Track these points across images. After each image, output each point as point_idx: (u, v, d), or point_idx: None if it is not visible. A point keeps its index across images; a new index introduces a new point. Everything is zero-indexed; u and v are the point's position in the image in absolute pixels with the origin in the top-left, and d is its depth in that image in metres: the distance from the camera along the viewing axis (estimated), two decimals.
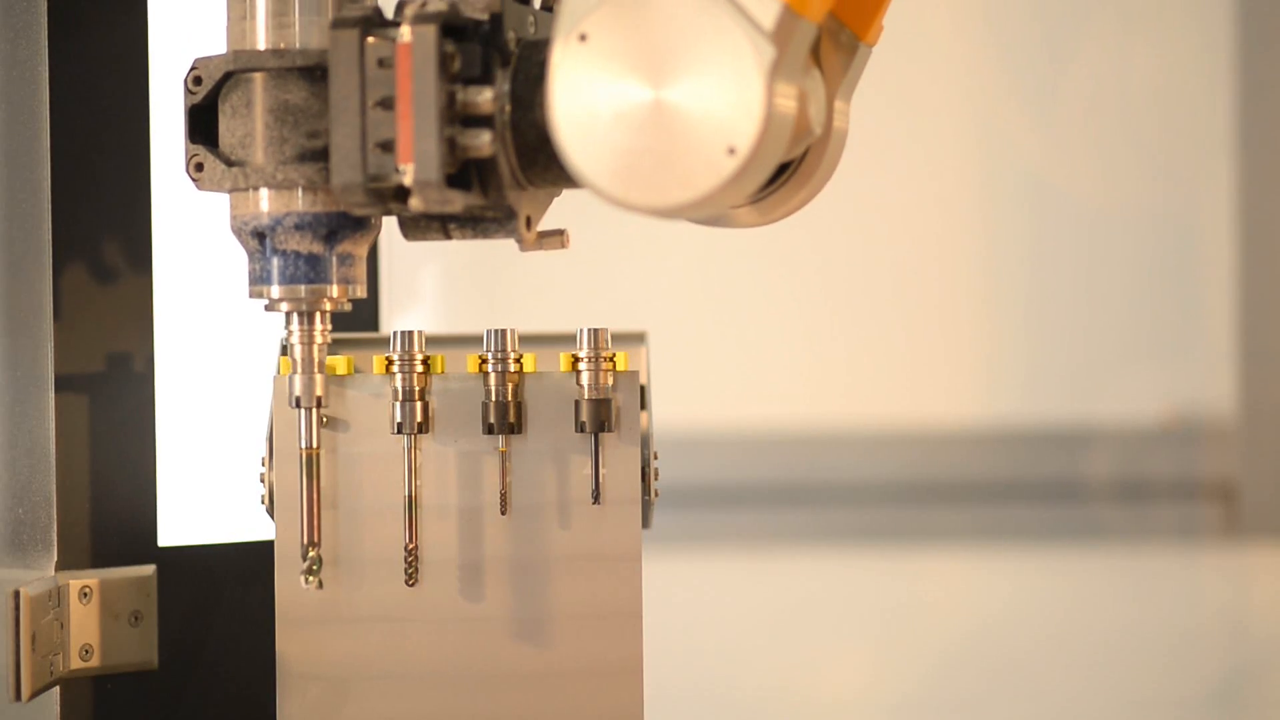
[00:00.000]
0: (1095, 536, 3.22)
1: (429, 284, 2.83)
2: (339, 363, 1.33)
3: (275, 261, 1.24)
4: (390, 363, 1.33)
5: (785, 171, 1.27)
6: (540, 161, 1.20)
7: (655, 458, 1.36)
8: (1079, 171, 3.25)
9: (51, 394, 1.40)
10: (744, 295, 3.25)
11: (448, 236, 1.24)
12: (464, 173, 1.19)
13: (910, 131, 2.94)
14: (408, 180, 1.17)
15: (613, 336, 1.34)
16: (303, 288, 1.24)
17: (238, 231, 1.26)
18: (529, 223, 1.23)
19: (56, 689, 1.40)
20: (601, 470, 1.34)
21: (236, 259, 1.47)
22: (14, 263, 1.42)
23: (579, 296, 3.16)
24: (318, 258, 1.24)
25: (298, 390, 1.28)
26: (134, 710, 1.44)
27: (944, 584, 3.09)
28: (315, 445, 1.29)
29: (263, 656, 1.41)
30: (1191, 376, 3.25)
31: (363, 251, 1.26)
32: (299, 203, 1.23)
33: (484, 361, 1.33)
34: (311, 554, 1.30)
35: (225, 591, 1.48)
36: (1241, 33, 3.21)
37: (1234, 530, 3.22)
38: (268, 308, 1.26)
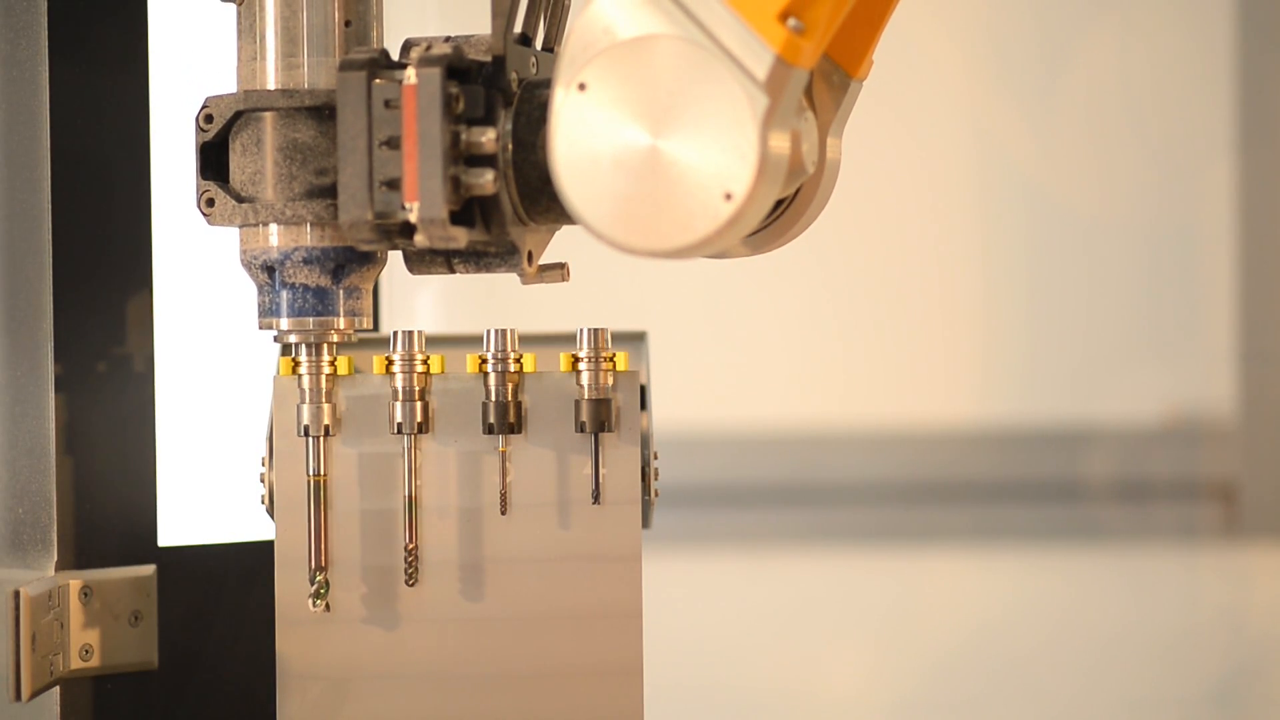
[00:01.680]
0: (1095, 536, 3.21)
1: (429, 284, 2.83)
2: (339, 363, 1.33)
3: (284, 294, 1.28)
4: (390, 363, 1.33)
5: (780, 206, 1.29)
6: (542, 201, 1.23)
7: (655, 458, 1.36)
8: (1078, 171, 3.25)
9: (51, 394, 1.40)
10: (744, 295, 3.25)
11: (451, 270, 1.27)
12: (467, 210, 1.22)
13: (908, 132, 2.94)
14: (413, 217, 1.20)
15: (613, 336, 1.34)
16: (311, 320, 1.28)
17: (247, 265, 1.29)
18: (530, 258, 1.27)
19: (56, 689, 1.40)
20: (601, 470, 1.34)
21: (237, 259, 1.47)
22: (14, 263, 1.42)
23: (579, 296, 3.16)
24: (325, 291, 1.28)
25: (306, 419, 1.31)
26: (134, 710, 1.44)
27: (944, 584, 3.09)
28: (323, 472, 1.31)
29: (263, 656, 1.41)
30: (1191, 376, 3.25)
31: (369, 285, 1.30)
32: (307, 238, 1.27)
33: (484, 361, 1.33)
34: (319, 578, 1.31)
35: (225, 591, 1.48)
36: (1241, 33, 3.21)
37: (1234, 530, 3.22)
38: (277, 339, 1.29)
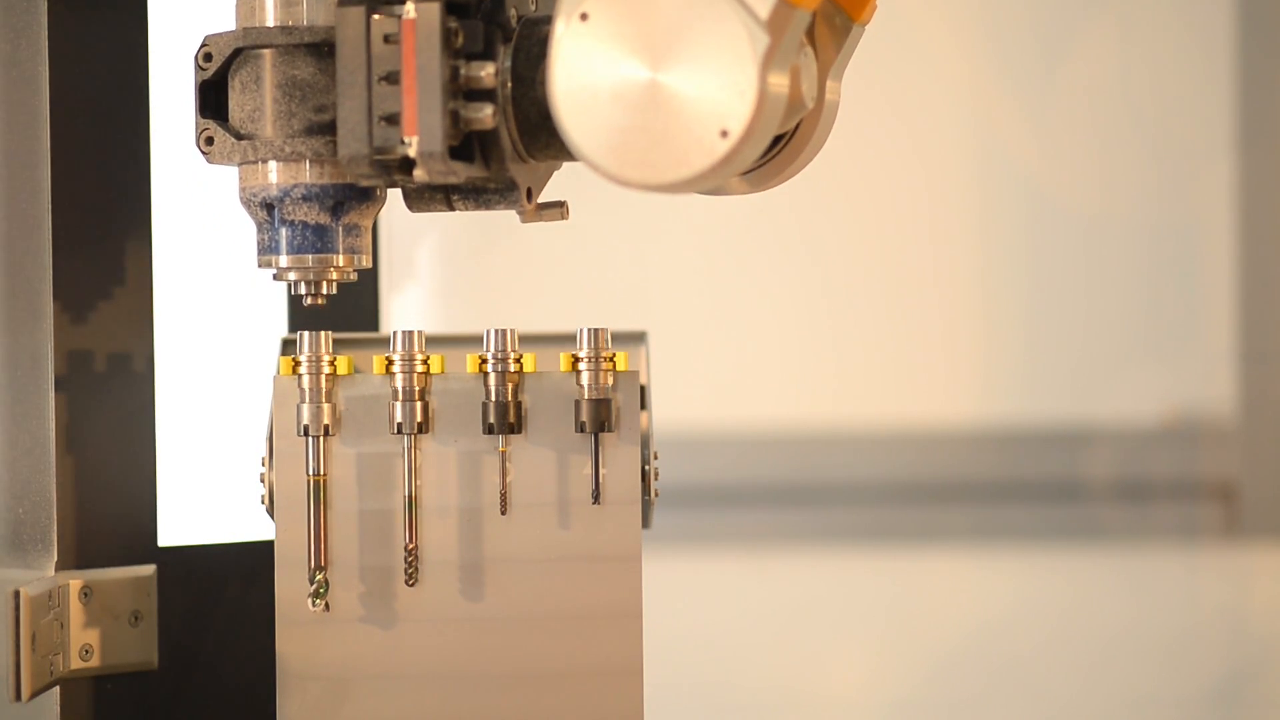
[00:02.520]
0: (1095, 536, 3.21)
1: (429, 284, 2.83)
2: (339, 363, 1.33)
3: (283, 232, 1.28)
4: (390, 363, 1.33)
5: (779, 142, 1.30)
6: (541, 137, 1.24)
7: (655, 458, 1.36)
8: (1078, 171, 3.25)
9: (51, 394, 1.40)
10: (744, 295, 3.25)
11: (451, 208, 1.27)
12: (467, 145, 1.23)
13: (908, 131, 2.94)
14: (412, 152, 1.20)
15: (613, 336, 1.34)
16: (310, 257, 1.28)
17: (246, 203, 1.29)
18: (530, 194, 1.27)
19: (56, 689, 1.40)
20: (601, 470, 1.34)
21: (237, 259, 1.48)
22: (14, 263, 1.42)
23: (579, 296, 3.16)
24: (325, 228, 1.28)
25: (306, 419, 1.32)
26: (134, 710, 1.44)
27: (944, 584, 3.09)
28: (322, 472, 1.31)
29: (263, 656, 1.41)
30: (1191, 376, 3.25)
31: (368, 222, 1.30)
32: (306, 175, 1.27)
33: (484, 361, 1.33)
34: (319, 578, 1.32)
35: (225, 591, 1.48)
36: (1241, 33, 3.21)
37: (1234, 530, 3.22)
38: (276, 277, 1.30)
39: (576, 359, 1.33)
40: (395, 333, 1.33)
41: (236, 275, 1.50)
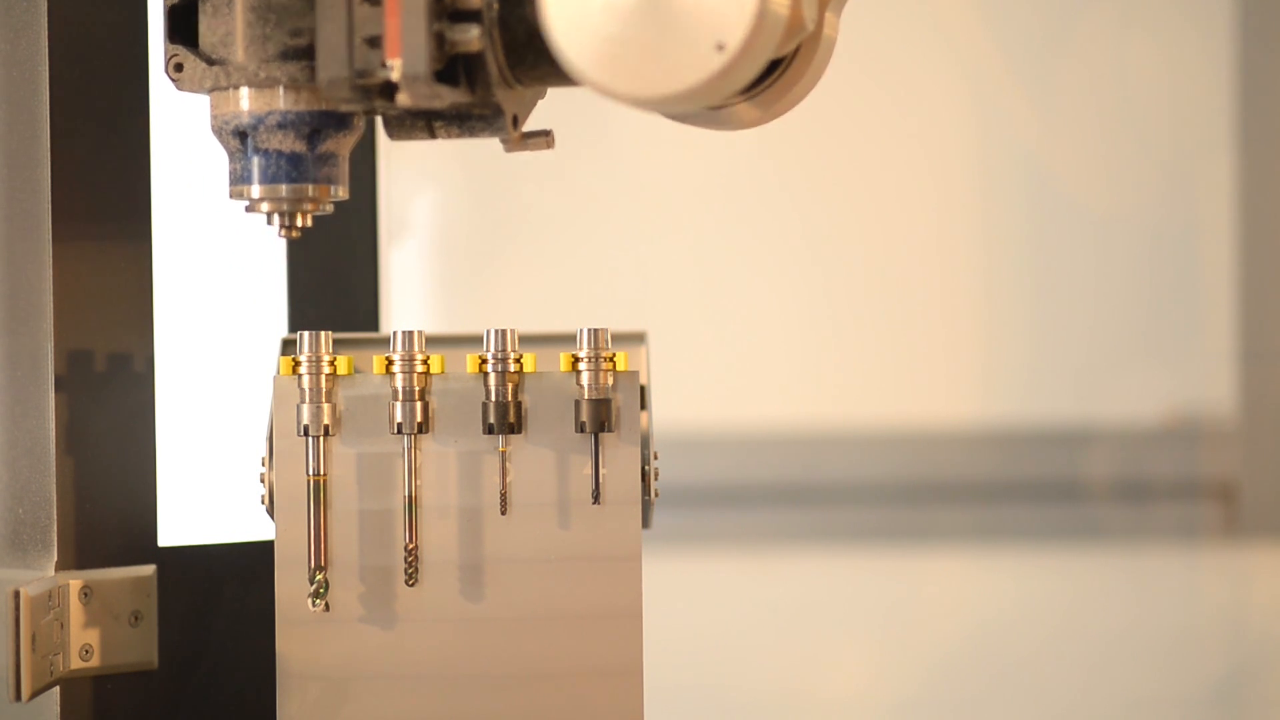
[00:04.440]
0: (1095, 536, 3.21)
1: (429, 284, 2.83)
2: (339, 363, 1.33)
3: (256, 161, 1.24)
4: (390, 363, 1.33)
5: (776, 68, 1.27)
6: (528, 59, 1.20)
7: (655, 458, 1.36)
8: (1079, 170, 3.25)
9: (51, 394, 1.40)
10: (744, 295, 3.25)
11: (433, 135, 1.24)
12: (451, 69, 1.19)
13: (909, 130, 2.94)
14: (395, 75, 1.17)
15: (613, 336, 1.34)
16: (284, 187, 1.25)
17: (218, 131, 1.25)
18: (515, 121, 1.24)
19: (56, 689, 1.40)
20: (601, 470, 1.34)
21: (237, 259, 1.47)
22: (14, 262, 1.42)
23: (579, 296, 3.16)
24: (300, 156, 1.24)
25: (306, 419, 1.31)
26: (134, 710, 1.44)
27: (944, 584, 3.09)
28: (322, 472, 1.31)
29: (263, 656, 1.41)
30: (1191, 376, 3.25)
31: (345, 151, 1.26)
32: (281, 101, 1.23)
33: (484, 361, 1.33)
34: (319, 578, 1.31)
35: (225, 591, 1.48)
36: (1242, 31, 3.21)
37: (1234, 530, 3.22)
38: (248, 208, 1.26)
39: (576, 359, 1.33)
40: (395, 333, 1.33)
41: (236, 275, 1.50)
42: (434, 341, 1.36)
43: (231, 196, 1.26)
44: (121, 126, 1.43)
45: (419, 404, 1.33)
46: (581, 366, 1.33)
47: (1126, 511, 3.23)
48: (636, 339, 1.45)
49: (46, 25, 1.40)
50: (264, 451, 1.35)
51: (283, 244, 1.51)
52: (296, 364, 1.32)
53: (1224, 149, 3.22)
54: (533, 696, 1.34)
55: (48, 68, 1.40)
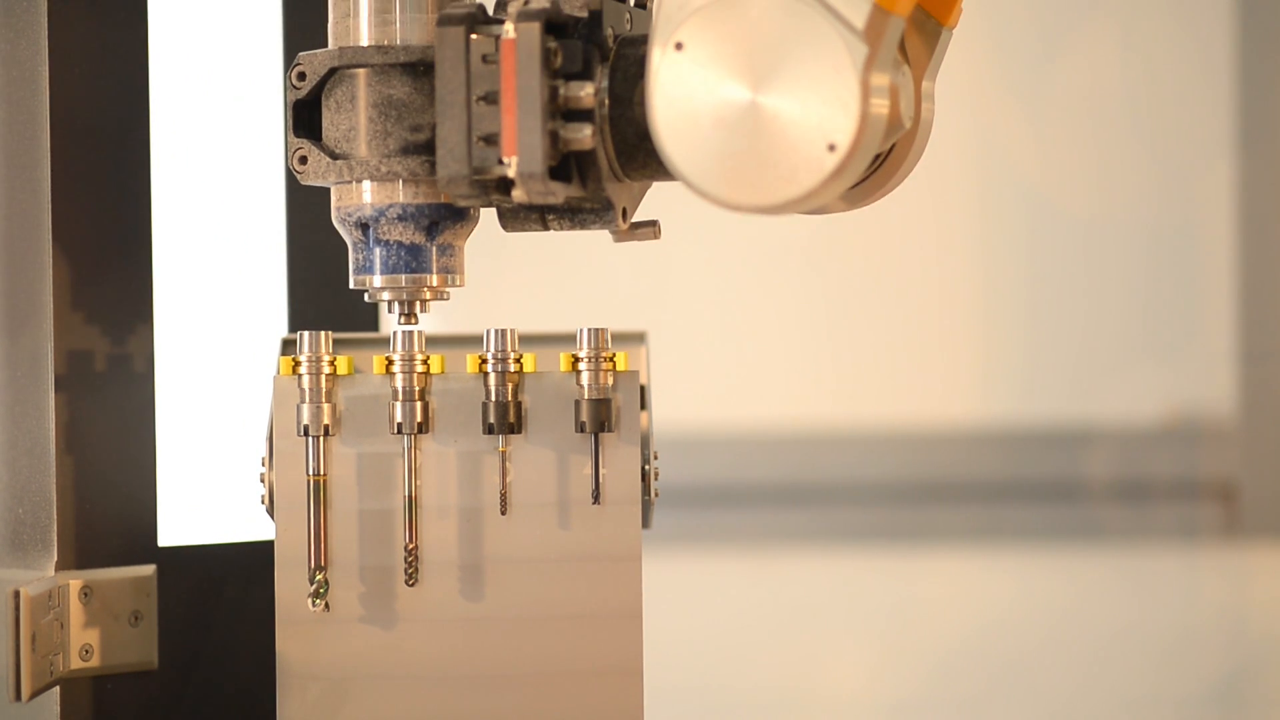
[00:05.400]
0: (1095, 536, 3.21)
1: None
2: (339, 363, 1.33)
3: (378, 252, 1.29)
4: (390, 363, 1.33)
5: (874, 160, 1.30)
6: (638, 157, 1.24)
7: (655, 458, 1.36)
8: (1078, 171, 3.25)
9: (51, 394, 1.40)
10: (744, 296, 3.25)
11: (545, 227, 1.28)
12: (564, 165, 1.23)
13: None
14: (511, 172, 1.21)
15: (613, 336, 1.34)
16: (404, 277, 1.29)
17: (341, 223, 1.29)
18: (625, 214, 1.27)
19: (56, 689, 1.40)
20: (601, 470, 1.34)
21: (236, 259, 1.48)
22: (14, 263, 1.42)
23: (579, 296, 3.16)
24: (419, 248, 1.28)
25: (306, 419, 1.32)
26: (134, 710, 1.44)
27: (944, 584, 3.09)
28: (322, 472, 1.31)
29: (263, 656, 1.41)
30: (1191, 376, 3.25)
31: (462, 242, 1.30)
32: (401, 195, 1.27)
33: (484, 361, 1.33)
34: (319, 578, 1.32)
35: (225, 591, 1.48)
36: (1241, 32, 3.21)
37: (1234, 530, 3.22)
38: (369, 297, 1.30)
39: (576, 359, 1.33)
40: (395, 333, 1.33)
41: (236, 275, 1.50)
42: (434, 341, 1.36)
43: (354, 285, 1.30)
44: (121, 127, 1.43)
45: (419, 404, 1.33)
46: (581, 366, 1.33)
47: (1126, 511, 3.24)
48: (636, 339, 1.45)
49: (46, 25, 1.40)
50: (264, 451, 1.35)
51: (283, 244, 1.52)
52: (296, 364, 1.32)
53: (1223, 150, 3.22)
54: (533, 696, 1.34)
55: (48, 68, 1.40)
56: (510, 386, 1.33)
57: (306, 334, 1.33)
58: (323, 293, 1.53)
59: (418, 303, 1.30)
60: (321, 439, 1.32)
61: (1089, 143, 3.22)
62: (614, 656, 1.34)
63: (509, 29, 1.20)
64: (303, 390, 1.32)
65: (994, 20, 3.14)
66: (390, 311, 1.31)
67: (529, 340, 1.38)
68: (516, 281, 2.99)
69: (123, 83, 1.43)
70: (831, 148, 1.15)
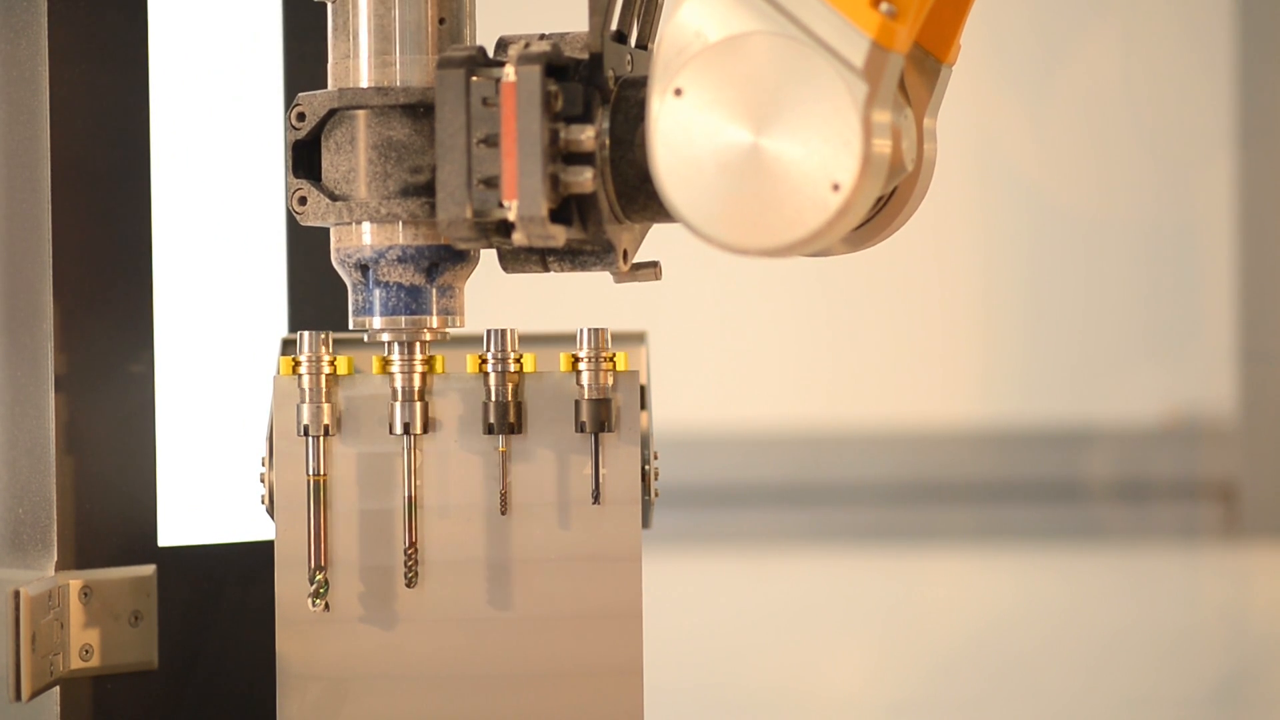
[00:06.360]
0: (1095, 536, 3.21)
1: None
2: (339, 363, 1.33)
3: (377, 293, 1.29)
4: (390, 363, 1.33)
5: (877, 202, 1.30)
6: (639, 199, 1.24)
7: (655, 458, 1.36)
8: (1078, 172, 3.25)
9: (51, 394, 1.40)
10: (744, 296, 3.25)
11: (546, 269, 1.27)
12: (565, 207, 1.23)
13: None
14: (512, 215, 1.21)
15: (613, 336, 1.34)
16: (403, 319, 1.29)
17: (340, 264, 1.29)
18: (626, 256, 1.27)
19: (56, 689, 1.40)
20: (601, 470, 1.34)
21: (236, 259, 1.47)
22: (14, 263, 1.42)
23: (579, 296, 3.16)
24: (419, 289, 1.28)
25: (306, 419, 1.32)
26: (134, 710, 1.44)
27: (944, 584, 3.09)
28: (322, 472, 1.31)
29: (263, 656, 1.41)
30: (1191, 376, 3.25)
31: (462, 284, 1.30)
32: (401, 236, 1.27)
33: (484, 361, 1.33)
34: (319, 577, 1.32)
35: (225, 591, 1.48)
36: (1241, 34, 3.21)
37: (1234, 530, 3.22)
38: (370, 338, 1.30)
39: (576, 359, 1.33)
40: None
41: (236, 275, 1.50)
42: (434, 341, 1.36)
43: (353, 327, 1.30)
44: (121, 126, 1.43)
45: (419, 404, 1.33)
46: (581, 366, 1.33)
47: (1126, 511, 3.24)
48: (636, 339, 1.45)
49: (46, 25, 1.40)
50: (264, 451, 1.35)
51: (283, 244, 1.51)
52: (296, 364, 1.32)
53: (1223, 150, 3.22)
54: (533, 696, 1.34)
55: (48, 68, 1.40)
56: (510, 386, 1.33)
57: (306, 334, 1.32)
58: (323, 293, 1.53)
59: (417, 344, 1.30)
60: (321, 439, 1.32)
61: (1089, 142, 3.23)
62: (614, 656, 1.34)
63: (509, 72, 1.20)
64: (303, 390, 1.32)
65: (994, 21, 3.14)
66: (389, 354, 1.30)
67: (529, 340, 1.38)
68: (516, 281, 2.99)
69: (123, 83, 1.43)
70: (835, 187, 1.15)
